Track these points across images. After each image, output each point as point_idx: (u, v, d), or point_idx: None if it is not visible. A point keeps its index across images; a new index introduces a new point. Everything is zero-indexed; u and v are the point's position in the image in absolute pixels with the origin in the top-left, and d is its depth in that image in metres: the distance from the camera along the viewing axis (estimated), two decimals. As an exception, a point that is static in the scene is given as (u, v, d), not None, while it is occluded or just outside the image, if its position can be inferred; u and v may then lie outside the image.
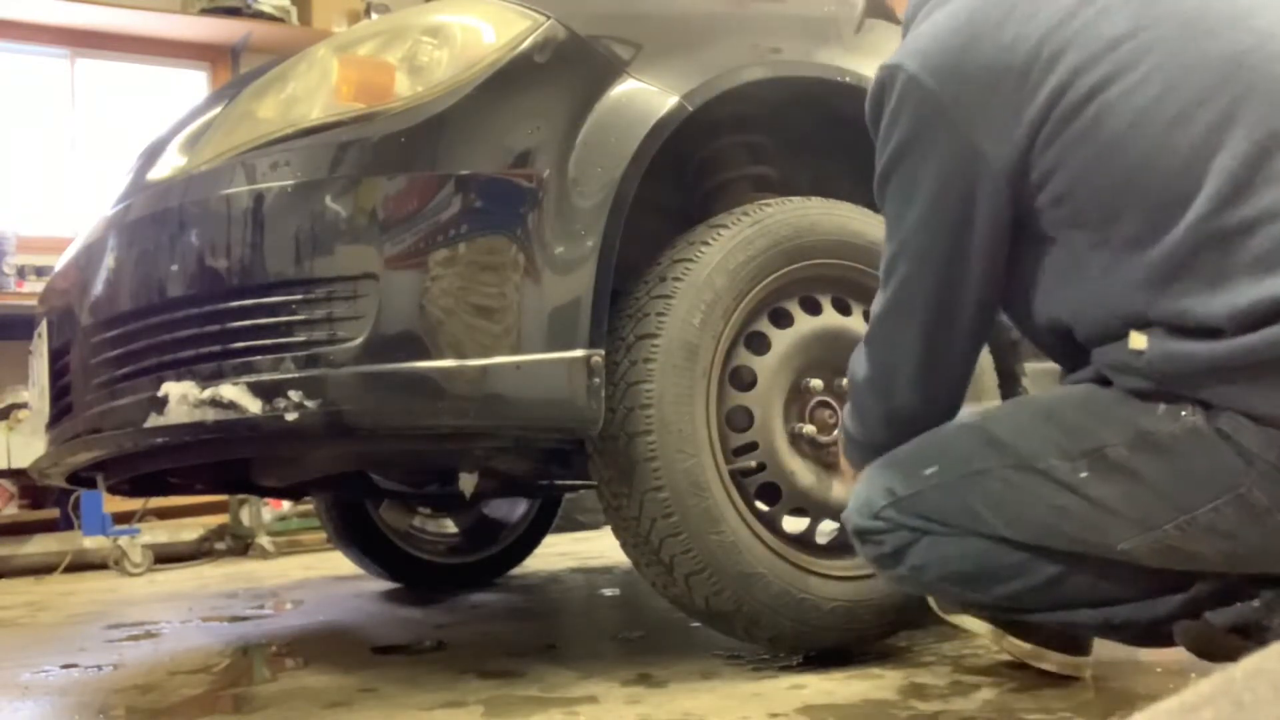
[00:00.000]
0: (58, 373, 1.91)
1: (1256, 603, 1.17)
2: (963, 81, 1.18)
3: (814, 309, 1.80)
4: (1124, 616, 1.24)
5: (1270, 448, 1.08)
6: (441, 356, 1.52)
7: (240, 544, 4.45)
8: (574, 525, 4.33)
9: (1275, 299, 1.04)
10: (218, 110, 1.84)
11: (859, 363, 1.37)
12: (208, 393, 1.55)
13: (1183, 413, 1.12)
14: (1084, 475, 1.16)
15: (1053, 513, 1.19)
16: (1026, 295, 1.27)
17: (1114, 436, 1.15)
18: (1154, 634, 1.25)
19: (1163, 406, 1.13)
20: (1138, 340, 1.13)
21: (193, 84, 5.24)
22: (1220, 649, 1.18)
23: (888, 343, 1.32)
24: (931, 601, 1.55)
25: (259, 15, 5.07)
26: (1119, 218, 1.14)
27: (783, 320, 1.77)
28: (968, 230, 1.21)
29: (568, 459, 2.10)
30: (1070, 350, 1.26)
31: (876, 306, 1.33)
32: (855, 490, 1.35)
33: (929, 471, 1.27)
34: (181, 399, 1.57)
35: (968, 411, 1.36)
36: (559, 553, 3.80)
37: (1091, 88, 1.13)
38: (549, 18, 1.67)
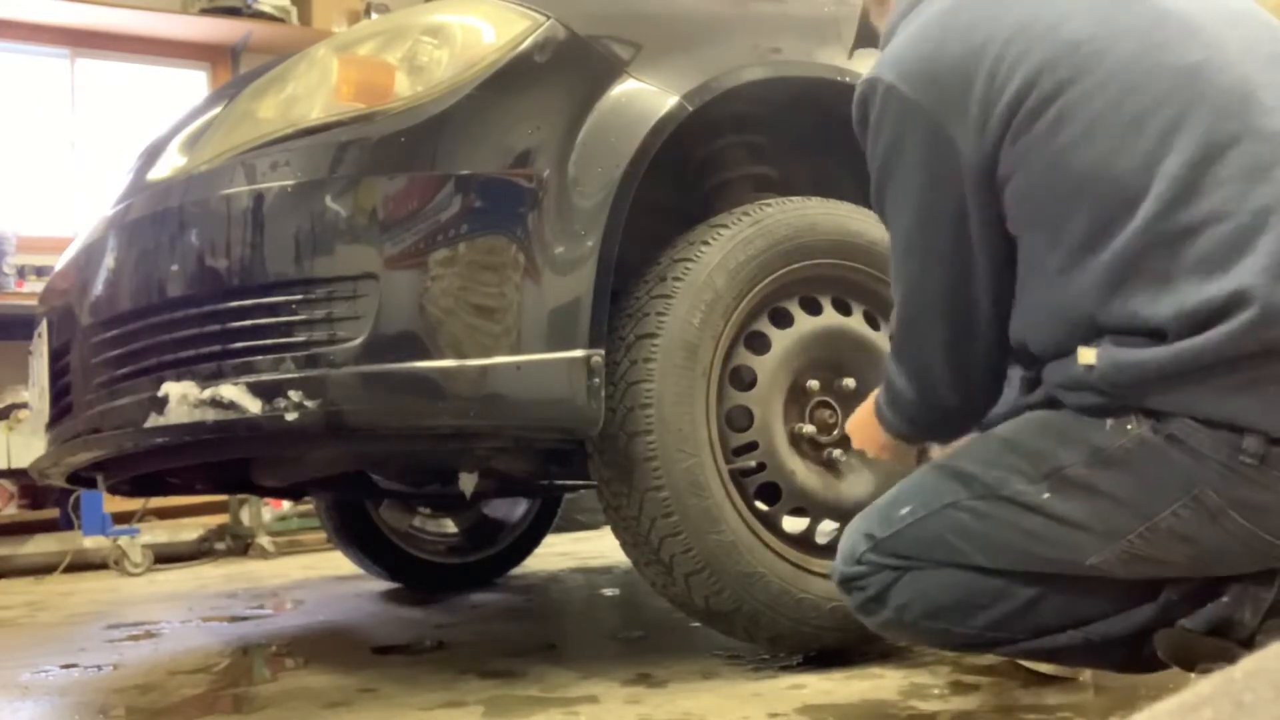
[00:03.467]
0: (58, 373, 1.91)
1: (1226, 598, 1.20)
2: (936, 82, 1.21)
3: (814, 309, 1.80)
4: (1102, 632, 1.26)
5: (1219, 448, 1.09)
6: (442, 356, 1.52)
7: (240, 544, 4.45)
8: (574, 525, 4.33)
9: (1216, 300, 1.06)
10: (218, 110, 1.84)
11: (896, 376, 1.37)
12: (208, 393, 1.55)
13: (1129, 425, 1.14)
14: (1046, 496, 1.19)
15: (1022, 536, 1.21)
16: None
17: (1071, 456, 1.18)
18: (1136, 655, 1.27)
19: (1110, 421, 1.16)
20: (1086, 355, 1.15)
21: (193, 84, 5.23)
22: (1200, 654, 1.20)
23: (915, 349, 1.33)
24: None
25: (259, 15, 5.07)
26: (1072, 218, 1.16)
27: (783, 320, 1.77)
28: (964, 224, 1.23)
29: (568, 459, 2.10)
30: (1030, 360, 1.28)
31: (894, 317, 1.35)
32: (840, 543, 1.38)
33: (904, 512, 1.30)
34: (181, 399, 1.57)
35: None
36: (559, 553, 3.80)
37: (1053, 89, 1.16)
38: (549, 18, 1.67)
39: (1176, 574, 1.21)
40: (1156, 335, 1.10)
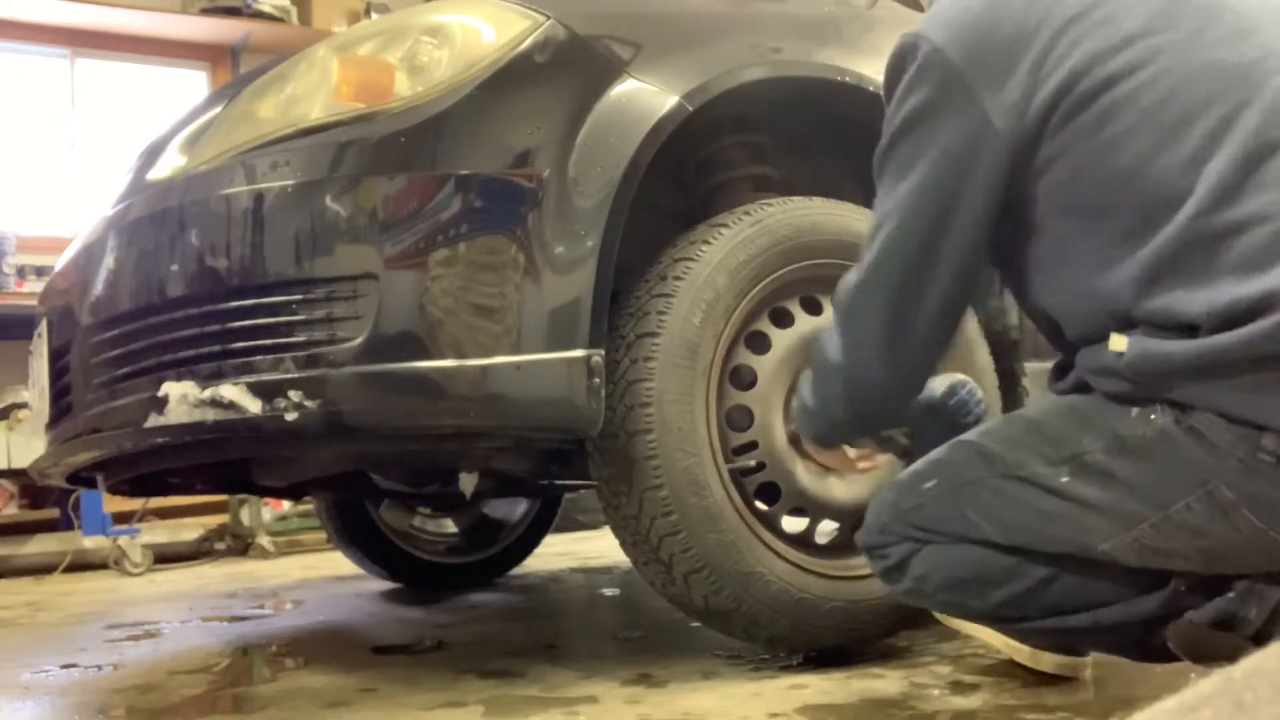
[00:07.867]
0: (58, 373, 1.91)
1: (1232, 594, 1.21)
2: (984, 55, 1.21)
3: (815, 309, 1.80)
4: (1113, 617, 1.28)
5: (1239, 445, 1.10)
6: (442, 356, 1.52)
7: (240, 544, 4.45)
8: (574, 525, 4.33)
9: (1251, 298, 1.07)
10: (218, 110, 1.84)
11: (828, 342, 1.37)
12: (208, 393, 1.55)
13: (1153, 415, 1.16)
14: (1065, 480, 1.21)
15: (1038, 516, 1.24)
16: (1025, 281, 1.30)
17: (1092, 442, 1.20)
18: (1146, 642, 1.29)
19: (1135, 410, 1.17)
20: (1118, 343, 1.16)
21: (193, 84, 5.23)
22: (1208, 647, 1.21)
23: (859, 312, 1.32)
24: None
25: (259, 15, 5.07)
26: (1113, 212, 1.17)
27: (783, 320, 1.77)
28: (958, 197, 1.23)
29: (568, 459, 2.10)
30: (1062, 342, 1.30)
31: (851, 276, 1.33)
32: (868, 509, 1.41)
33: (928, 485, 1.32)
34: (181, 399, 1.57)
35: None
36: (559, 553, 3.80)
37: (1105, 80, 1.16)
38: (549, 17, 1.67)
39: (1185, 568, 1.22)
40: (1188, 329, 1.11)
